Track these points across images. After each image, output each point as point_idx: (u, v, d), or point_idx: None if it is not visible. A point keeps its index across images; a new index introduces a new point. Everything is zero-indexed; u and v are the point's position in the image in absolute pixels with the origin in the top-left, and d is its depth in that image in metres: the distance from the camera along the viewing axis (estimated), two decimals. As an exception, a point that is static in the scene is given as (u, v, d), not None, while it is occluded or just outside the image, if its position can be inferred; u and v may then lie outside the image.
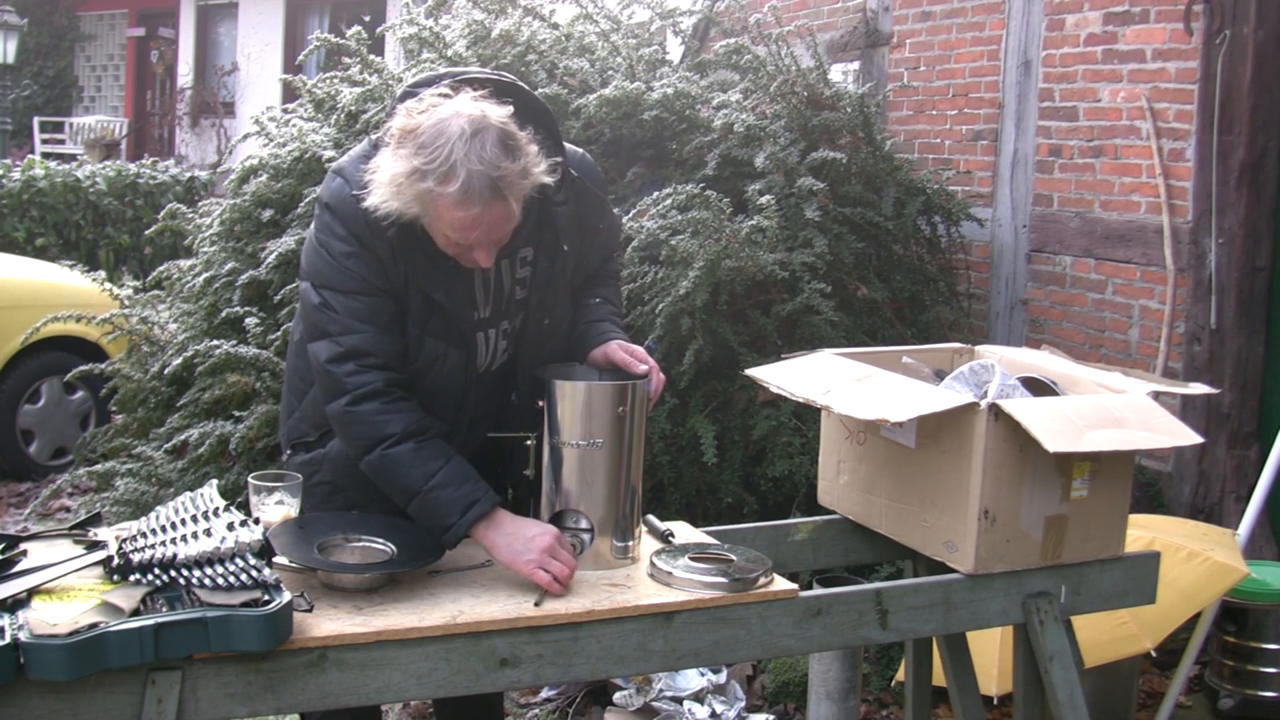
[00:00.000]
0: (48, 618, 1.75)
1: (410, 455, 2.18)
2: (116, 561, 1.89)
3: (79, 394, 6.02)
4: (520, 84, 2.33)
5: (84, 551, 2.00)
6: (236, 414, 4.29)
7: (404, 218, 2.14)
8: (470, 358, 2.33)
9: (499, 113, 2.14)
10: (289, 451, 2.49)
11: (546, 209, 2.33)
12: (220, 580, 1.83)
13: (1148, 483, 4.59)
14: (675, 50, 5.43)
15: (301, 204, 4.61)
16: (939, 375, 2.63)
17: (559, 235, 2.35)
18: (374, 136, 2.28)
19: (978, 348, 2.86)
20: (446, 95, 2.16)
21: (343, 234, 2.22)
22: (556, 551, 2.13)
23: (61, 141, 16.56)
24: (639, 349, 2.41)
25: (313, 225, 2.32)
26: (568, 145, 2.40)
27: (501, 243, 2.21)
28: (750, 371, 2.62)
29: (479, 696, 2.58)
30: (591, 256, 2.52)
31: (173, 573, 1.86)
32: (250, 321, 4.39)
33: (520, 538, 2.14)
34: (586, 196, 2.42)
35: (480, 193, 2.07)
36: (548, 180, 2.20)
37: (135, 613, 1.78)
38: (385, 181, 2.11)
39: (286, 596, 1.84)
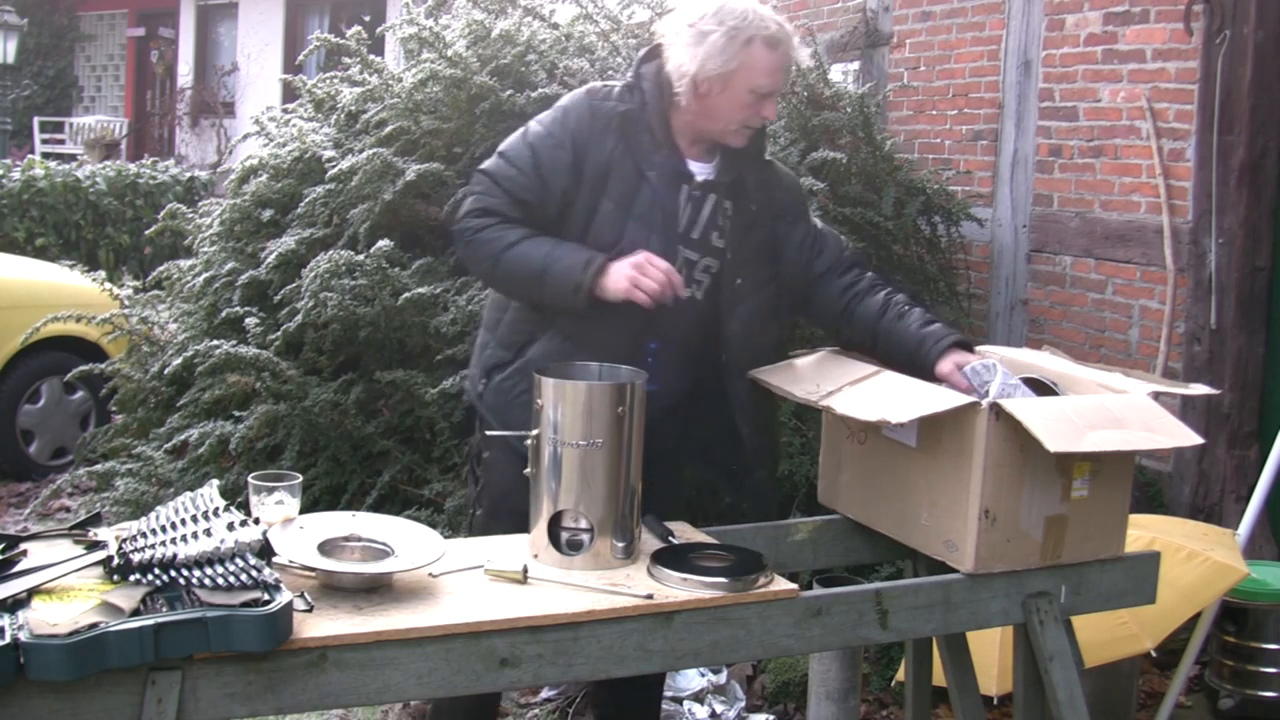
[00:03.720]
0: (48, 618, 1.75)
1: (527, 246, 2.49)
2: (116, 561, 1.88)
3: (79, 394, 6.02)
4: None
5: (84, 551, 2.00)
6: (236, 414, 4.29)
7: (725, 78, 2.46)
8: (671, 244, 2.53)
9: None
10: (484, 381, 2.65)
11: (742, 169, 2.61)
12: (220, 580, 1.83)
13: (1148, 483, 4.59)
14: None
15: (301, 204, 4.61)
16: None
17: (750, 196, 2.61)
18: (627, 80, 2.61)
19: (978, 348, 2.86)
20: None
21: (549, 121, 2.56)
22: (644, 269, 2.41)
23: (61, 141, 16.56)
24: (971, 365, 2.48)
25: None
26: None
27: (776, 95, 2.58)
28: (751, 372, 2.62)
29: (638, 698, 2.84)
30: (787, 256, 2.67)
31: (173, 573, 1.86)
32: (250, 321, 4.38)
33: (615, 273, 2.43)
34: (777, 178, 2.72)
35: (785, 39, 2.53)
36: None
37: (135, 613, 1.78)
38: (703, 52, 2.45)
39: (286, 596, 1.84)
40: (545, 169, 2.52)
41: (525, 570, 2.15)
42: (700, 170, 2.59)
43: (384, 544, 2.15)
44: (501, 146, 2.61)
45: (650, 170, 2.52)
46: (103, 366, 5.10)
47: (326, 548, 2.11)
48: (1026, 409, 2.25)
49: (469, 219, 2.56)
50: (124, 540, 1.95)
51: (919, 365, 2.53)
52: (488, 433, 2.54)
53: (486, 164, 2.60)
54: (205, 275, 4.86)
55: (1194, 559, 3.11)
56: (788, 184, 2.77)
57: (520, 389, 2.55)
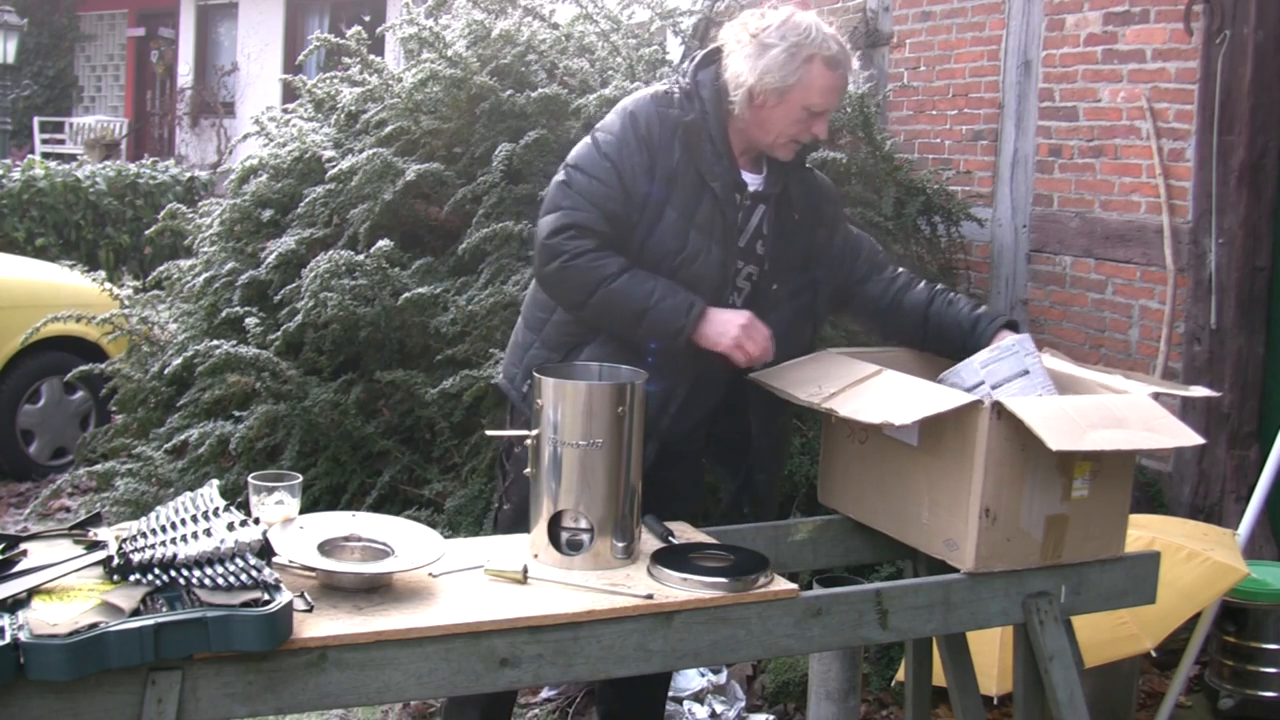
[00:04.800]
0: (48, 618, 1.75)
1: (628, 282, 2.48)
2: (116, 561, 1.89)
3: (79, 394, 6.02)
4: None
5: (84, 551, 2.00)
6: (236, 414, 4.29)
7: (781, 93, 2.49)
8: (729, 255, 2.56)
9: None
10: (529, 383, 2.60)
11: (788, 180, 2.64)
12: (220, 580, 1.83)
13: (1148, 483, 4.59)
14: (675, 50, 5.43)
15: (301, 204, 4.61)
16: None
17: (791, 205, 2.64)
18: (677, 81, 2.63)
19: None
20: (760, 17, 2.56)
21: (618, 129, 2.54)
22: (751, 332, 2.48)
23: (61, 141, 16.55)
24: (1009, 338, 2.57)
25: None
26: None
27: (829, 113, 2.60)
28: (751, 375, 2.62)
29: (643, 697, 2.87)
30: (827, 263, 2.71)
31: (173, 573, 1.86)
32: (250, 321, 4.39)
33: (719, 323, 2.48)
34: (817, 186, 2.75)
35: (845, 60, 2.54)
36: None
37: (135, 613, 1.78)
38: (763, 64, 2.48)
39: (286, 596, 1.84)
40: (627, 178, 2.51)
41: (525, 570, 2.15)
42: (752, 181, 2.63)
43: (384, 544, 2.15)
44: (571, 160, 2.58)
45: (714, 181, 2.54)
46: (103, 366, 5.10)
47: (326, 548, 2.11)
48: (1028, 408, 2.25)
49: (563, 239, 2.50)
50: (124, 540, 1.95)
51: (972, 347, 2.61)
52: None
53: (563, 178, 2.56)
54: (205, 275, 4.86)
55: (1194, 559, 3.11)
56: (827, 192, 2.80)
57: None
